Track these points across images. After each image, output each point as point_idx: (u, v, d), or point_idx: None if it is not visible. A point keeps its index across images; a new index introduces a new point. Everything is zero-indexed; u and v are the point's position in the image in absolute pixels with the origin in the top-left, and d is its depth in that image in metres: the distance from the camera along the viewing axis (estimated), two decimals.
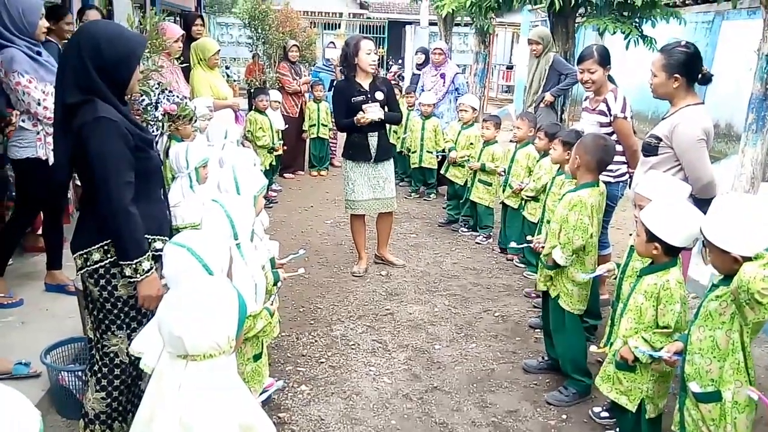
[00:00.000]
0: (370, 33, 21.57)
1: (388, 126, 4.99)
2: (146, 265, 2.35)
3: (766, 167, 5.32)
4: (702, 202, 3.12)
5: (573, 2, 7.02)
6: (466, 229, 6.28)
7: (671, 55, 3.18)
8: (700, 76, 3.19)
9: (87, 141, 2.24)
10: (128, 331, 2.46)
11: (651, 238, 2.54)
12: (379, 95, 4.77)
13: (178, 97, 4.43)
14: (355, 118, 4.67)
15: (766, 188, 5.24)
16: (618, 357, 2.67)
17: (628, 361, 2.63)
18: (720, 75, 8.90)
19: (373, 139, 4.81)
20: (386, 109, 4.80)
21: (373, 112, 4.67)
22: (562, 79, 6.27)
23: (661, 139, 3.20)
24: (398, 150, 7.85)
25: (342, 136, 9.68)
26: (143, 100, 4.21)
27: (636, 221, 2.73)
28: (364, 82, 4.77)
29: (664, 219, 2.51)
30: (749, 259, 2.04)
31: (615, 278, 3.16)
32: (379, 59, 5.12)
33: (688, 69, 3.15)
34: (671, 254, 2.56)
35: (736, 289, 2.02)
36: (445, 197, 6.84)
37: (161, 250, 2.44)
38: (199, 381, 1.66)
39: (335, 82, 5.93)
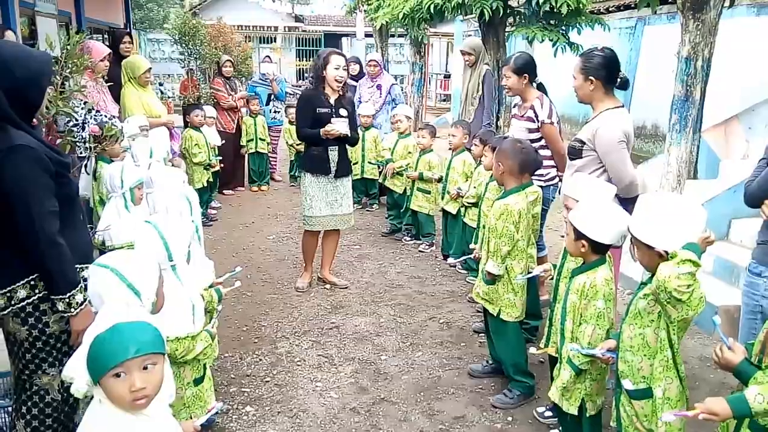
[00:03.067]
0: (306, 46, 21.56)
1: None
2: (80, 297, 2.22)
3: (691, 165, 5.56)
4: (626, 201, 3.25)
5: (502, 12, 7.18)
6: (409, 238, 6.32)
7: (589, 59, 3.32)
8: (618, 80, 3.32)
9: (3, 172, 2.09)
10: (60, 368, 2.27)
11: (578, 236, 2.63)
12: (344, 112, 4.71)
13: (105, 116, 4.32)
14: (321, 130, 4.59)
15: (691, 185, 5.48)
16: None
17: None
18: (645, 78, 9.34)
19: (333, 153, 4.72)
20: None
21: (340, 125, 4.62)
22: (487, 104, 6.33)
23: (584, 143, 3.31)
24: None
25: (282, 151, 9.56)
26: (69, 121, 4.09)
27: (566, 222, 2.80)
28: (331, 97, 4.70)
29: (590, 218, 2.60)
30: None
31: (552, 279, 3.23)
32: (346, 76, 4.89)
33: (605, 72, 3.28)
34: (599, 252, 2.65)
35: (655, 290, 2.09)
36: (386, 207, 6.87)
37: None
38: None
39: (302, 90, 5.79)
